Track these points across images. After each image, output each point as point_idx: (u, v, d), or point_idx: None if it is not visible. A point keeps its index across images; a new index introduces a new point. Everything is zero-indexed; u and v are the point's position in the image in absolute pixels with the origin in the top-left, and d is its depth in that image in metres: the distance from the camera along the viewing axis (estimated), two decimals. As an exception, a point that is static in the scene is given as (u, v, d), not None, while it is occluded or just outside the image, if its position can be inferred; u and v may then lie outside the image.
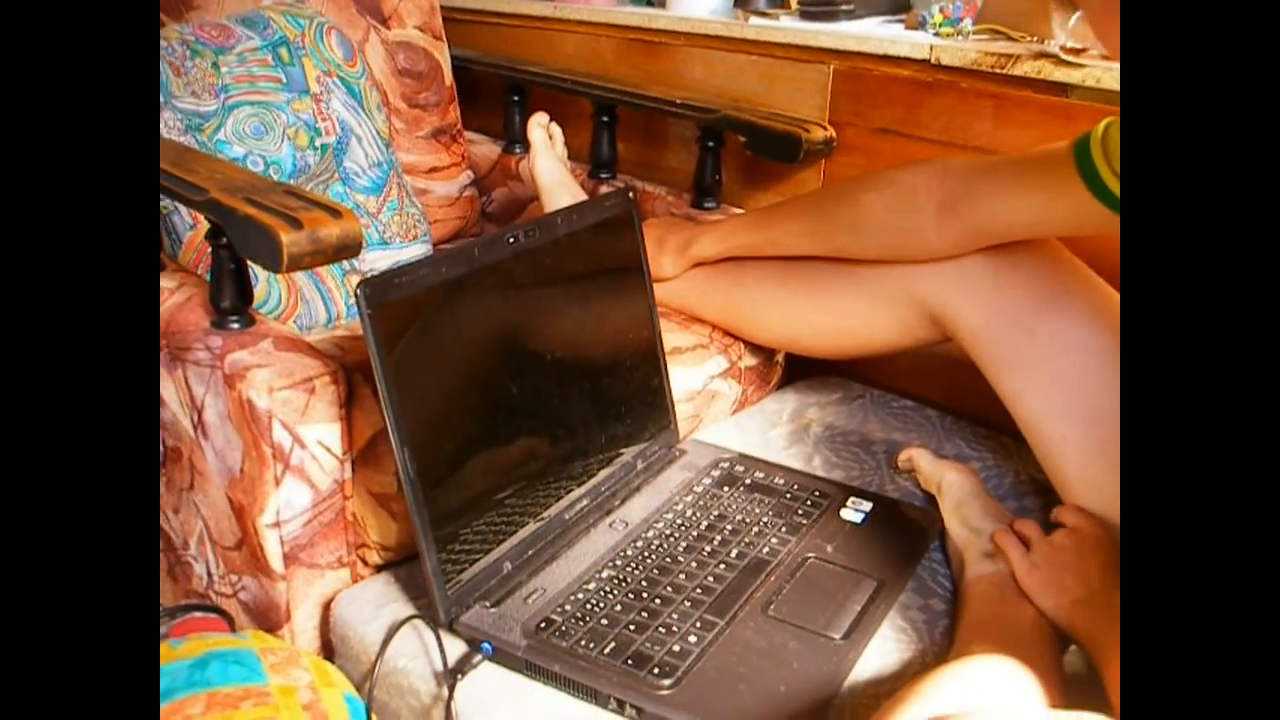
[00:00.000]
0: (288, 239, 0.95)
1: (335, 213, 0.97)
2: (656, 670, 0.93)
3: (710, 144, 1.65)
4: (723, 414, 1.42)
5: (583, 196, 1.56)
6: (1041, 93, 1.39)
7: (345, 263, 1.52)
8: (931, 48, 1.49)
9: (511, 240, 1.05)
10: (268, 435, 1.03)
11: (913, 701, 0.77)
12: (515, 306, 1.08)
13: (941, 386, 1.45)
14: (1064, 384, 1.13)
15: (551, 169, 1.57)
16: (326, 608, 1.12)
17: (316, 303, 1.47)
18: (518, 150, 1.91)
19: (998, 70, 1.42)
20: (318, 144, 1.54)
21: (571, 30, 1.94)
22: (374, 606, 1.08)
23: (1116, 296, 1.17)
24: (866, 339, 1.30)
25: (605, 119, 1.78)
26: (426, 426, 0.97)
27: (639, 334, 1.25)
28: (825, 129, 1.56)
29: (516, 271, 1.07)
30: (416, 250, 1.65)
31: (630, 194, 1.23)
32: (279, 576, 1.08)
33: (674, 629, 0.98)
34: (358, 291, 0.90)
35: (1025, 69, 1.39)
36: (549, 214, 1.11)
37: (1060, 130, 1.18)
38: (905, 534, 1.17)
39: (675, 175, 1.77)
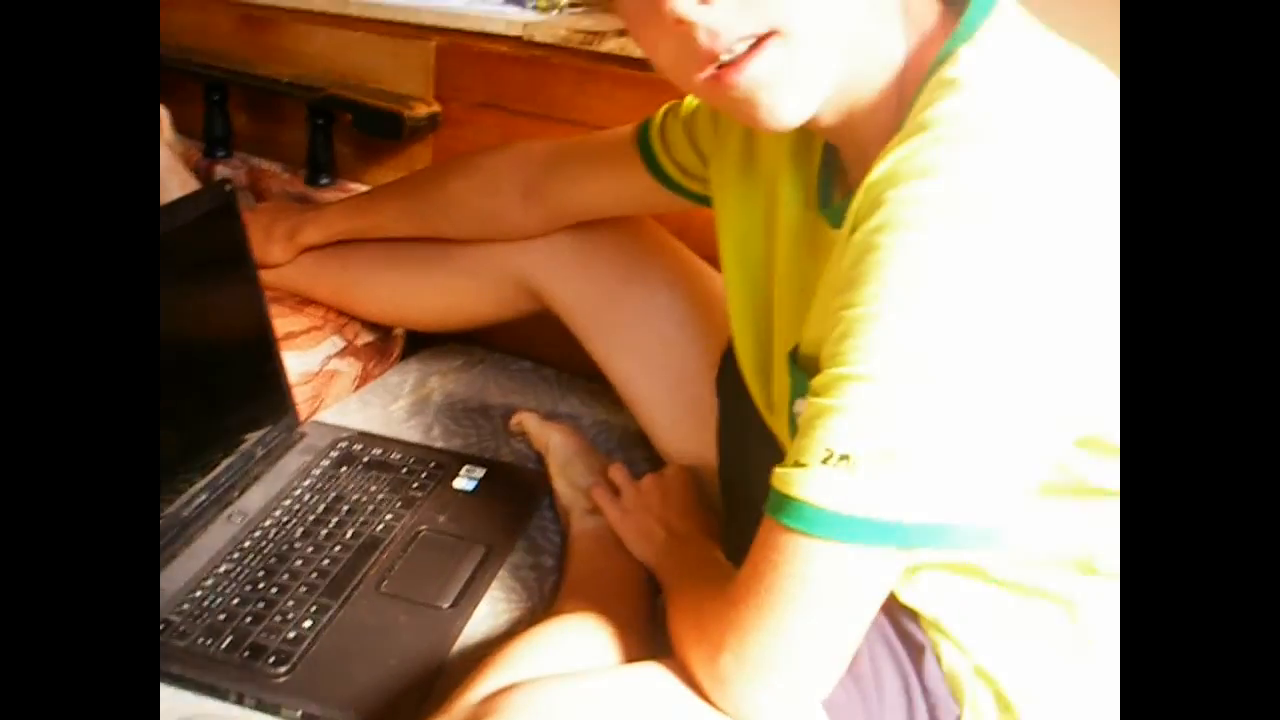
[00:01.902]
0: None
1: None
2: (272, 659, 0.98)
3: (320, 121, 1.67)
4: (345, 391, 1.46)
5: (193, 184, 1.55)
6: (626, 67, 1.48)
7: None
8: (525, 25, 1.56)
9: (98, 252, 1.05)
10: None
11: (495, 668, 0.84)
12: (110, 315, 1.09)
13: (556, 346, 1.53)
14: (647, 348, 1.24)
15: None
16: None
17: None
18: (128, 130, 1.86)
19: (586, 47, 1.50)
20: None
21: (181, 4, 1.89)
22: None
23: (699, 265, 1.28)
24: (471, 313, 1.38)
25: (216, 97, 1.76)
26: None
27: (247, 323, 1.27)
28: (430, 105, 1.60)
29: (108, 281, 1.07)
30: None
31: (227, 187, 1.24)
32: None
33: (289, 616, 1.03)
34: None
35: (610, 45, 1.48)
36: (138, 221, 1.12)
37: (645, 103, 1.26)
38: (516, 496, 1.26)
39: (292, 150, 1.77)
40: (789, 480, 0.71)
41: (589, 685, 0.79)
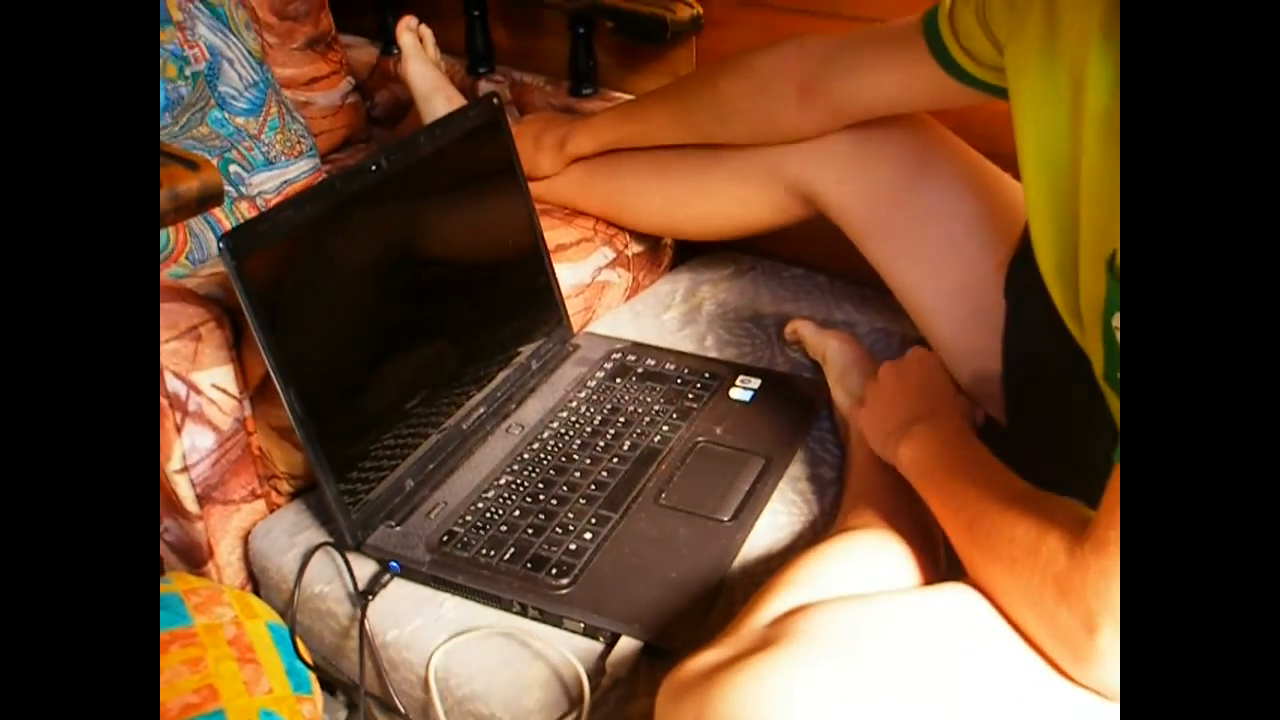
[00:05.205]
0: (148, 197, 0.96)
1: (192, 165, 0.98)
2: (554, 571, 0.98)
3: (581, 30, 1.64)
4: (616, 302, 1.45)
5: (459, 100, 1.56)
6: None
7: (231, 189, 1.53)
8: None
9: (374, 168, 1.06)
10: (163, 388, 1.05)
11: (784, 587, 0.80)
12: (388, 231, 1.10)
13: (829, 252, 1.47)
14: (931, 254, 1.17)
15: (424, 74, 1.57)
16: (247, 540, 1.16)
17: (206, 235, 1.47)
18: (395, 51, 1.89)
19: (854, -65, 1.42)
20: (187, 73, 1.52)
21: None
22: (288, 535, 1.11)
23: (984, 163, 1.20)
24: (741, 221, 1.34)
25: (476, 12, 1.76)
26: (311, 362, 0.99)
27: (519, 237, 1.27)
28: (691, 7, 1.55)
29: (384, 197, 1.08)
30: (303, 166, 1.65)
31: (495, 100, 1.23)
32: (195, 517, 1.11)
33: (570, 528, 1.03)
34: (220, 245, 0.91)
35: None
36: (410, 135, 1.12)
37: (917, -5, 1.19)
38: (793, 407, 1.22)
39: (553, 62, 1.76)
40: None
41: (893, 607, 0.75)
